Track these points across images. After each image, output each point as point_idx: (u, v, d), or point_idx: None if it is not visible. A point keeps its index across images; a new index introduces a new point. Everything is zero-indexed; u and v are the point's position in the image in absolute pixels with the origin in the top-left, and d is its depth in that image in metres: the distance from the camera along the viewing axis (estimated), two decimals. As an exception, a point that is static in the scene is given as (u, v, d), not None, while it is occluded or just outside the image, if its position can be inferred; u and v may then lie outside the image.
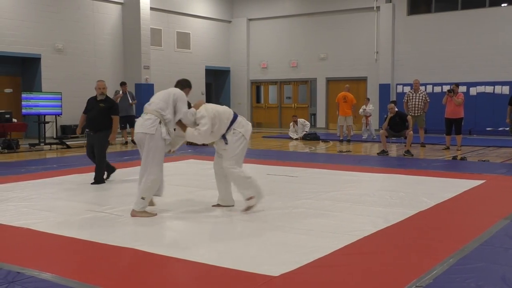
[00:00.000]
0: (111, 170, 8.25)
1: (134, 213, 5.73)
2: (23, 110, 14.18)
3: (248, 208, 5.89)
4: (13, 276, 3.80)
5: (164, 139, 5.70)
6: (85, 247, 4.64)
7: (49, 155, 12.48)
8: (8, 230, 5.21)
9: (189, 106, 5.96)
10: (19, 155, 12.17)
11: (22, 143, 14.01)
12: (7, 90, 15.93)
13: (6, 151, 12.62)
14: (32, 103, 14.16)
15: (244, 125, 5.97)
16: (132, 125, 14.70)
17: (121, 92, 14.89)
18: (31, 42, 15.89)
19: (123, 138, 14.98)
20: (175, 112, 5.78)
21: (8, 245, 4.77)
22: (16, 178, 8.47)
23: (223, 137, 5.86)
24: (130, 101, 14.88)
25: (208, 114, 5.75)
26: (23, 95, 14.19)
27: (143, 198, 5.71)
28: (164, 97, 5.84)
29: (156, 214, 5.80)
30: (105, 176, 8.06)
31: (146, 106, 5.87)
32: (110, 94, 15.14)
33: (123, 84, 15.19)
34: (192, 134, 5.81)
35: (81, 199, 6.80)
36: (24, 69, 16.62)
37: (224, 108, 6.04)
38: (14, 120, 13.69)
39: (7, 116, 13.11)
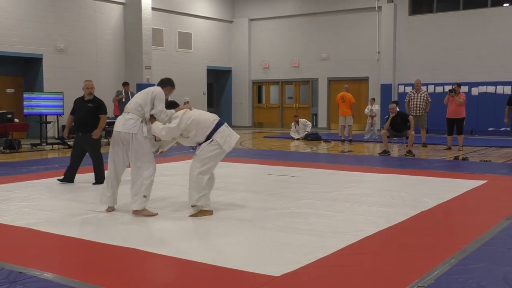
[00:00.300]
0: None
1: (136, 213, 5.73)
2: (25, 110, 14.19)
3: (192, 214, 5.72)
4: (14, 276, 3.80)
5: (145, 137, 5.71)
6: (86, 247, 4.64)
7: (50, 155, 12.49)
8: (9, 230, 5.22)
9: (175, 106, 5.94)
10: (21, 155, 12.18)
11: (23, 143, 14.02)
12: (9, 90, 15.97)
13: (8, 151, 12.63)
14: (34, 103, 14.17)
15: (225, 135, 5.75)
16: None
17: (123, 92, 14.83)
18: (33, 42, 15.91)
19: None
20: None
21: (9, 245, 4.77)
22: (17, 178, 8.48)
23: (199, 145, 5.74)
24: None
25: (183, 117, 5.65)
26: (25, 95, 14.20)
27: (145, 196, 5.72)
28: (143, 96, 5.85)
29: (157, 214, 5.80)
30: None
31: (127, 105, 5.88)
32: (112, 94, 15.25)
33: (125, 84, 15.12)
34: (157, 128, 5.70)
35: (82, 199, 6.80)
36: (26, 69, 16.64)
37: (207, 116, 5.84)
38: (16, 120, 13.70)
39: (9, 116, 13.12)
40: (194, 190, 5.67)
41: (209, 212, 5.75)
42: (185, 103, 6.50)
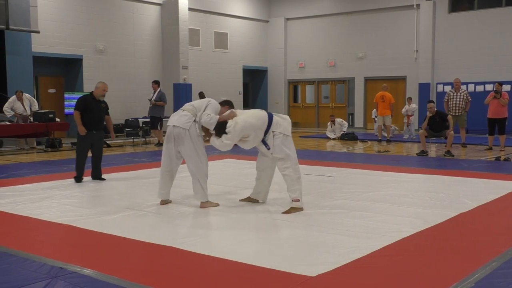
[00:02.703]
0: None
1: (203, 205, 6.06)
2: (66, 110, 14.53)
3: (289, 211, 5.86)
4: (56, 272, 3.91)
5: (198, 133, 5.99)
6: (124, 245, 4.72)
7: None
8: (51, 227, 5.36)
9: (228, 104, 6.22)
10: (62, 153, 12.49)
11: (64, 142, 14.37)
12: (51, 90, 16.42)
13: (49, 149, 12.98)
14: (74, 103, 14.43)
15: (281, 123, 5.96)
16: (156, 127, 14.41)
17: (152, 91, 14.43)
18: (74, 43, 16.29)
19: (158, 139, 14.54)
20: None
21: (51, 241, 4.91)
22: (59, 176, 8.70)
23: (263, 142, 5.91)
24: (153, 100, 14.20)
25: (235, 131, 5.74)
26: (66, 95, 14.55)
27: (204, 189, 6.04)
28: (200, 101, 6.21)
29: (218, 204, 6.14)
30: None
31: (185, 105, 6.19)
32: (149, 94, 15.16)
33: (155, 82, 14.62)
34: (213, 141, 5.93)
35: (121, 197, 6.93)
36: (66, 70, 17.05)
37: (257, 116, 5.92)
38: (57, 119, 14.05)
39: (51, 115, 13.46)
40: (291, 187, 5.89)
41: (300, 209, 5.91)
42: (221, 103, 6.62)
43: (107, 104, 8.49)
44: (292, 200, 5.92)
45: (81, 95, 8.35)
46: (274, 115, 6.01)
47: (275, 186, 7.22)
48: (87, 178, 8.23)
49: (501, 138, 12.48)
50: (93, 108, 8.14)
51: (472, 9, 18.43)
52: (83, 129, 8.07)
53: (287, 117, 6.15)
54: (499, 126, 12.40)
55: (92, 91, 8.30)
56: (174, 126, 5.97)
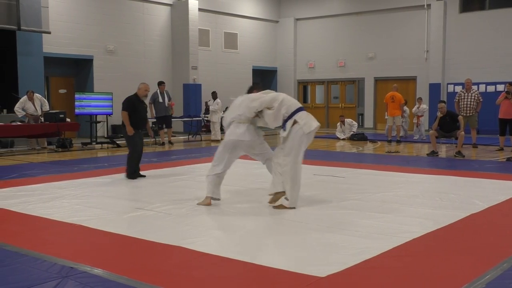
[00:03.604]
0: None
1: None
2: (76, 110, 14.61)
3: (278, 206, 6.03)
4: (66, 271, 3.93)
5: (258, 135, 6.27)
6: (135, 245, 4.74)
7: (100, 154, 12.82)
8: (62, 226, 5.39)
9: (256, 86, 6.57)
10: (72, 153, 12.56)
11: (75, 142, 14.46)
12: (62, 91, 16.54)
13: (60, 149, 13.05)
14: (85, 103, 14.57)
15: (306, 118, 6.03)
16: (168, 126, 14.77)
17: (158, 92, 14.48)
18: (84, 44, 16.39)
19: (160, 139, 14.62)
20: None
21: (62, 241, 4.93)
22: (69, 176, 8.75)
23: (283, 124, 6.01)
24: (169, 102, 14.64)
25: (266, 97, 6.08)
26: (76, 96, 14.62)
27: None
28: (236, 105, 6.33)
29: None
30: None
31: (231, 115, 6.37)
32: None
33: (161, 83, 14.70)
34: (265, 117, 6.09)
35: (131, 197, 6.96)
36: (77, 70, 17.15)
37: (289, 97, 6.21)
38: (68, 119, 14.14)
39: (62, 116, 13.55)
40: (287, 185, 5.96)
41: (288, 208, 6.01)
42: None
43: (145, 104, 8.84)
44: (285, 198, 6.03)
45: (127, 96, 8.55)
46: (305, 111, 6.12)
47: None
48: (113, 176, 8.27)
49: (512, 138, 12.41)
50: (139, 108, 8.45)
51: (483, 9, 18.31)
52: (131, 129, 8.29)
53: (316, 122, 6.20)
54: (511, 126, 12.32)
55: (136, 92, 8.53)
56: (239, 140, 6.11)
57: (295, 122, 5.96)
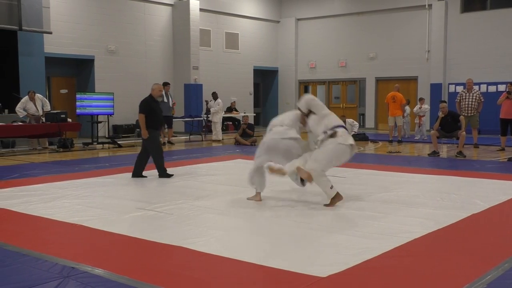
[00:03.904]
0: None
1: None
2: (77, 110, 14.63)
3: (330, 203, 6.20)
4: (68, 271, 3.93)
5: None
6: (136, 245, 4.74)
7: (101, 154, 12.83)
8: (63, 226, 5.40)
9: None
10: (74, 153, 12.57)
11: (76, 142, 14.47)
12: (63, 91, 16.54)
13: (61, 150, 13.06)
14: (86, 103, 14.58)
15: (343, 135, 6.14)
16: (169, 126, 14.86)
17: (163, 93, 14.66)
18: (85, 44, 16.39)
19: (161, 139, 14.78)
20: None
21: (63, 241, 4.94)
22: (71, 176, 8.75)
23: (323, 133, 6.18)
24: (172, 102, 14.94)
25: (314, 100, 6.46)
26: (77, 96, 14.63)
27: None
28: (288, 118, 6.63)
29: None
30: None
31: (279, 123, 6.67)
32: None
33: (165, 84, 14.76)
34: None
35: (132, 197, 6.96)
36: (78, 70, 17.17)
37: (332, 112, 6.46)
38: (69, 120, 14.14)
39: (63, 116, 13.55)
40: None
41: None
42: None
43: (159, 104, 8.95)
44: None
45: (143, 99, 8.56)
46: (345, 129, 6.27)
47: (286, 187, 7.22)
48: (118, 175, 8.27)
49: (514, 138, 12.39)
50: (155, 109, 8.51)
51: (484, 9, 18.29)
52: (146, 133, 8.29)
53: (353, 140, 6.27)
54: (512, 126, 12.31)
55: (150, 93, 8.56)
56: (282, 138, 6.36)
57: (333, 134, 6.10)
